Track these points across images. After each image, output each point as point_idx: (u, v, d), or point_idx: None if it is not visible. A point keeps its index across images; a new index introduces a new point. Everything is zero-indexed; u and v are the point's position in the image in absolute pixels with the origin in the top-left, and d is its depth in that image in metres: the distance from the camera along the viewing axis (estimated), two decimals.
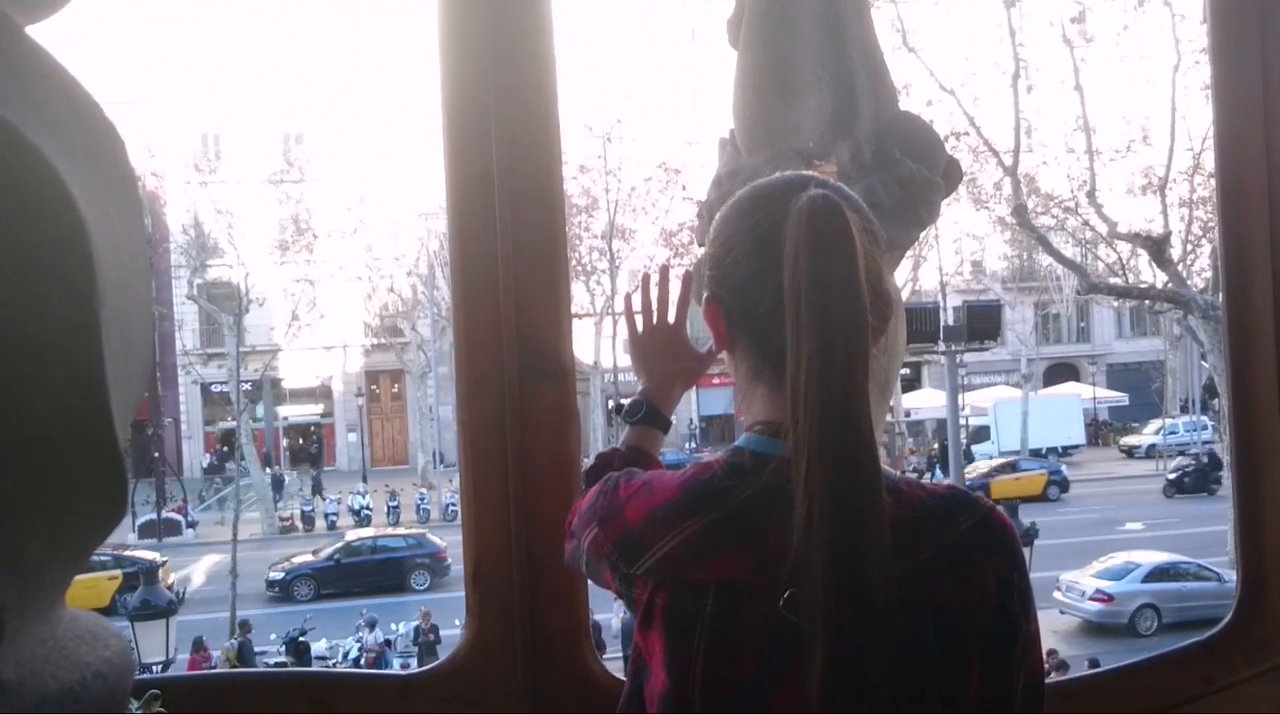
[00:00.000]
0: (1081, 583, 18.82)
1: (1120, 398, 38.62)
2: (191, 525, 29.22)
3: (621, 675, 1.57)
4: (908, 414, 34.63)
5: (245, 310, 26.52)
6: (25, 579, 0.81)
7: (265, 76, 32.00)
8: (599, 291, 29.23)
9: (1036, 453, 33.86)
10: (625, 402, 1.59)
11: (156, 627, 10.93)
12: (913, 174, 2.23)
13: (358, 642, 17.26)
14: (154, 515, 28.36)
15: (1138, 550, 20.59)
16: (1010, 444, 33.41)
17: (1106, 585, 18.53)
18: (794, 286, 1.14)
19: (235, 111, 31.92)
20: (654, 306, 1.61)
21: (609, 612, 15.12)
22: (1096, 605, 18.44)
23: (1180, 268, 18.23)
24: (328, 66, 32.29)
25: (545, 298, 1.90)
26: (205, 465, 37.43)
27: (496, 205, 1.88)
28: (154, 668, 10.63)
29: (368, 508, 29.42)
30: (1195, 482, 28.52)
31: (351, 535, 24.80)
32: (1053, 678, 1.62)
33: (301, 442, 39.61)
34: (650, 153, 28.47)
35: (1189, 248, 20.44)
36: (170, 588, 16.01)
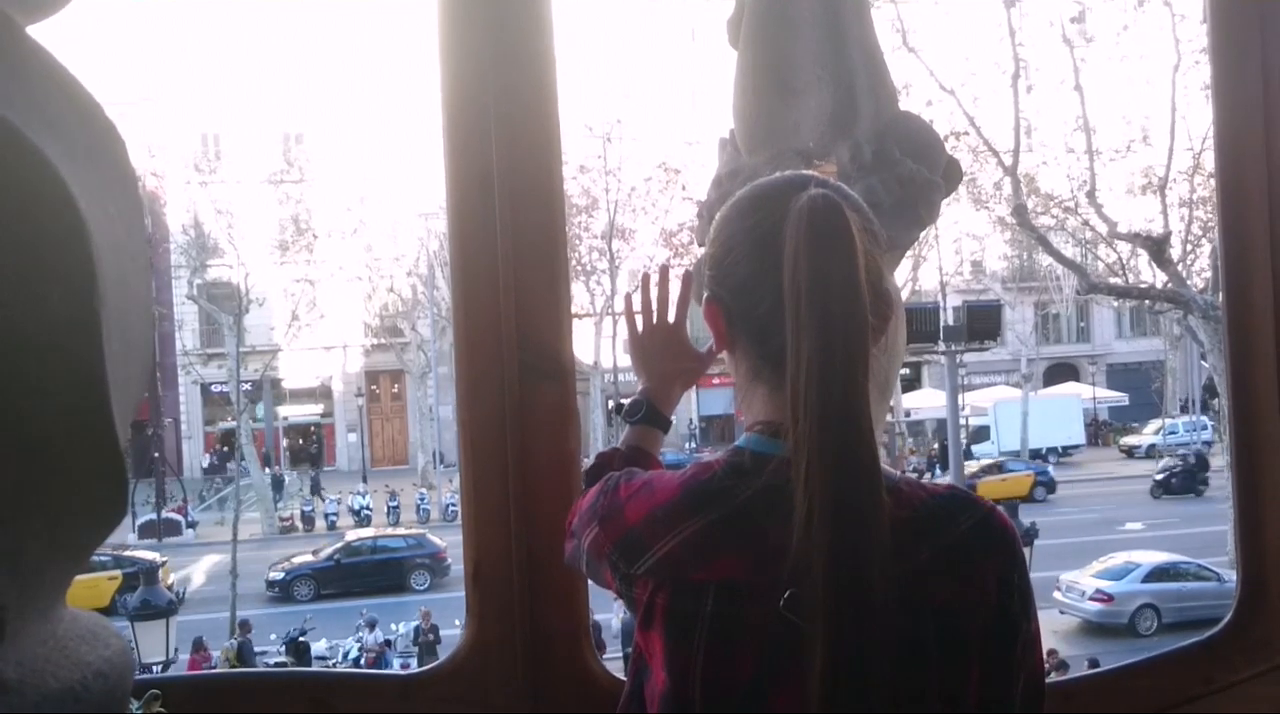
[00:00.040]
0: (1081, 583, 18.82)
1: (1120, 398, 38.63)
2: (191, 525, 29.22)
3: (621, 675, 1.57)
4: (908, 414, 34.63)
5: (245, 310, 26.52)
6: (26, 579, 0.81)
7: (265, 76, 32.01)
8: (599, 291, 29.23)
9: (1036, 453, 33.87)
10: (625, 401, 1.59)
11: (156, 627, 10.93)
12: (913, 174, 2.23)
13: (358, 642, 17.26)
14: (154, 515, 28.36)
15: (1138, 550, 20.60)
16: (1010, 444, 33.41)
17: (1106, 585, 18.53)
18: (794, 286, 1.14)
19: (235, 111, 31.93)
20: (654, 306, 1.61)
21: (609, 612, 15.12)
22: (1096, 605, 18.44)
23: (1180, 268, 18.22)
24: (328, 66, 32.30)
25: (545, 298, 1.90)
26: (205, 466, 37.43)
27: (496, 205, 1.88)
28: (154, 668, 10.63)
29: (368, 508, 29.42)
30: (1182, 482, 28.55)
31: (351, 535, 24.80)
32: (1053, 678, 1.62)
33: (301, 442, 39.62)
34: (650, 153, 28.48)
35: (1189, 248, 20.43)
36: (170, 588, 16.01)
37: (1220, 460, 23.32)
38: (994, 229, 30.41)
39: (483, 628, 1.90)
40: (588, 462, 1.57)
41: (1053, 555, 19.33)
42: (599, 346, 29.76)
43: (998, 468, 29.09)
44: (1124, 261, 21.76)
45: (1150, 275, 21.21)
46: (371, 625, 17.53)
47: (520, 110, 1.89)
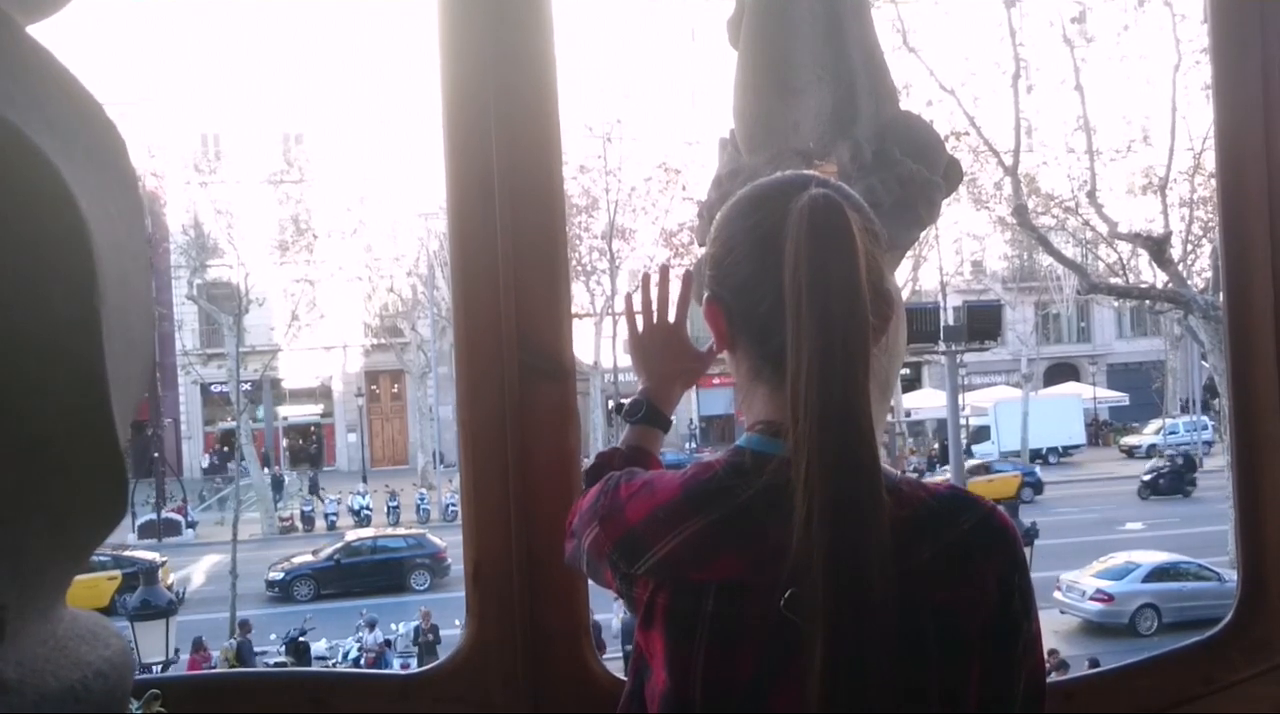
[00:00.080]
0: (1081, 583, 18.82)
1: (1120, 398, 38.63)
2: (191, 526, 29.22)
3: (621, 675, 1.57)
4: (908, 414, 34.63)
5: (245, 310, 26.52)
6: (27, 578, 0.81)
7: (265, 76, 32.01)
8: (599, 291, 29.22)
9: (1037, 453, 33.88)
10: (625, 401, 1.59)
11: (156, 627, 10.93)
12: (913, 174, 2.23)
13: (358, 642, 17.26)
14: (154, 515, 28.36)
15: (1138, 550, 20.60)
16: (1010, 444, 33.41)
17: (1107, 585, 18.54)
18: (795, 286, 1.14)
19: (235, 111, 31.93)
20: (654, 306, 1.61)
21: (609, 612, 15.12)
22: (1097, 605, 18.44)
23: (1180, 268, 18.22)
24: (328, 66, 32.30)
25: (545, 298, 1.90)
26: (205, 466, 37.43)
27: (496, 205, 1.88)
28: (154, 668, 10.63)
29: (368, 508, 29.42)
30: (1170, 483, 28.58)
31: (351, 536, 24.80)
32: (1053, 678, 1.61)
33: (301, 442, 39.62)
34: (650, 153, 28.48)
35: (1189, 248, 20.43)
36: (170, 588, 16.01)
37: (1221, 460, 23.30)
38: (994, 229, 30.42)
39: (483, 628, 1.90)
40: (588, 461, 1.57)
41: (1053, 555, 19.34)
42: (599, 346, 29.75)
43: (984, 469, 29.04)
44: (1124, 261, 21.77)
45: (1150, 275, 21.23)
46: (371, 625, 17.53)
47: (520, 110, 1.89)
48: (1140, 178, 23.13)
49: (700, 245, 1.85)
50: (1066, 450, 35.53)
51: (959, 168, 2.39)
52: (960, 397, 24.04)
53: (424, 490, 30.62)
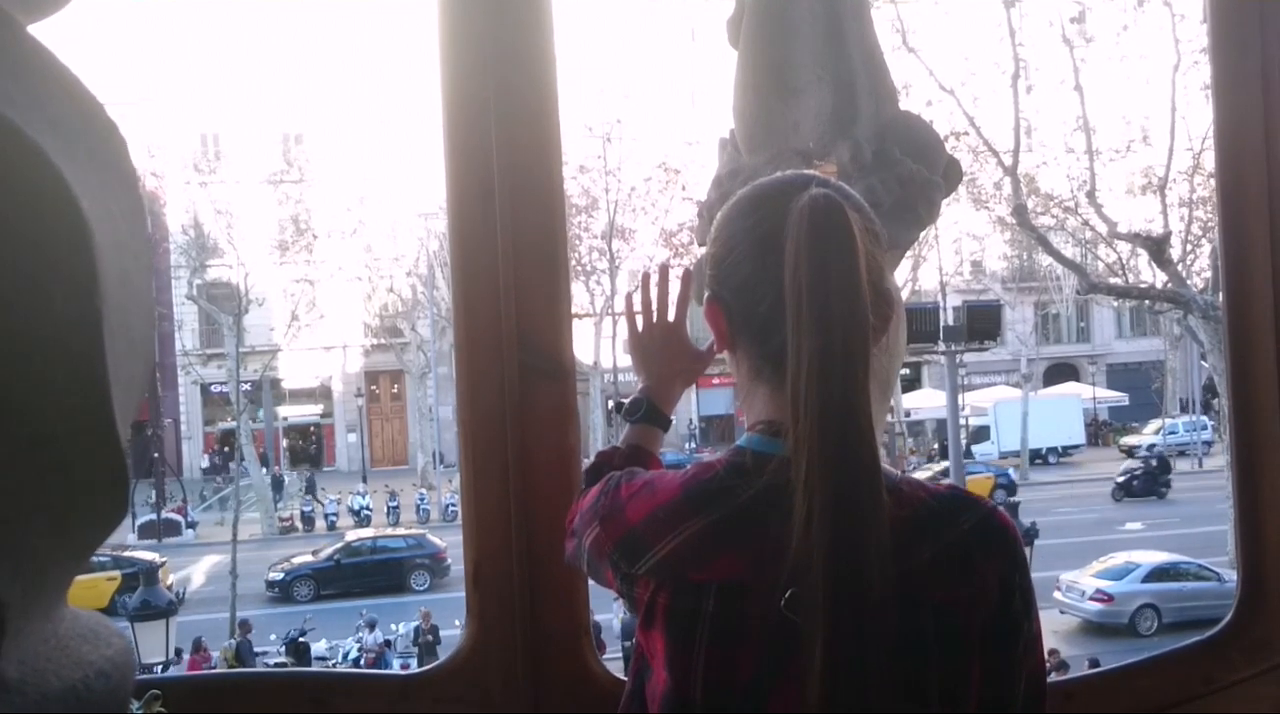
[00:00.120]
0: (1081, 583, 18.82)
1: (1120, 398, 38.63)
2: (191, 526, 29.22)
3: (621, 675, 1.57)
4: (908, 414, 34.62)
5: (245, 310, 26.53)
6: (28, 577, 0.81)
7: (265, 76, 32.01)
8: (599, 291, 29.21)
9: (1036, 453, 33.87)
10: (625, 400, 1.59)
11: (156, 627, 10.92)
12: (913, 174, 2.23)
13: (357, 642, 17.26)
14: (154, 516, 28.36)
15: (1138, 550, 20.60)
16: (1010, 444, 33.41)
17: (1106, 585, 18.54)
18: (795, 286, 1.14)
19: (235, 111, 31.92)
20: (654, 305, 1.61)
21: (609, 612, 15.12)
22: (1096, 605, 18.44)
23: (1180, 268, 18.23)
24: (328, 66, 32.31)
25: (545, 298, 1.90)
26: (205, 466, 37.44)
27: (496, 205, 1.88)
28: (155, 668, 10.63)
29: (367, 508, 29.42)
30: (1144, 485, 28.57)
31: (351, 536, 24.80)
32: (1053, 678, 1.62)
33: (301, 442, 39.62)
34: (650, 153, 28.48)
35: (1189, 248, 20.43)
36: (170, 588, 16.01)
37: (1221, 460, 23.31)
38: (994, 229, 30.40)
39: (483, 628, 1.90)
40: (588, 461, 1.57)
41: (1053, 555, 19.34)
42: (599, 346, 29.75)
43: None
44: (1124, 261, 21.77)
45: (1150, 275, 21.22)
46: (371, 626, 17.53)
47: (520, 110, 1.89)
48: (1140, 178, 23.14)
49: (700, 245, 1.85)
50: (1066, 450, 35.53)
51: (959, 168, 2.40)
52: (960, 397, 24.05)
53: (424, 490, 30.62)
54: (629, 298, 1.65)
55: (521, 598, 1.88)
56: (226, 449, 35.19)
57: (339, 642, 17.64)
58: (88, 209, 0.81)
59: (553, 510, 1.76)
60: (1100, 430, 38.57)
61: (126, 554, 21.52)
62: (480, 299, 1.89)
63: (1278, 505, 2.04)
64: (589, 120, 27.35)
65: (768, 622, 1.13)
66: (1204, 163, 19.39)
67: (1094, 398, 38.36)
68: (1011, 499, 27.36)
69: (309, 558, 23.35)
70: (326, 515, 29.36)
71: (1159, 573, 18.81)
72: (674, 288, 1.61)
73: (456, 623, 14.48)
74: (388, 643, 17.49)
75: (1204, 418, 32.82)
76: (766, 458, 1.19)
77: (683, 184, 27.51)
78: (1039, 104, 22.61)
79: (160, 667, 10.86)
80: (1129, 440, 36.51)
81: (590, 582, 1.48)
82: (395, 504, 29.22)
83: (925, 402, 34.91)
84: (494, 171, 1.88)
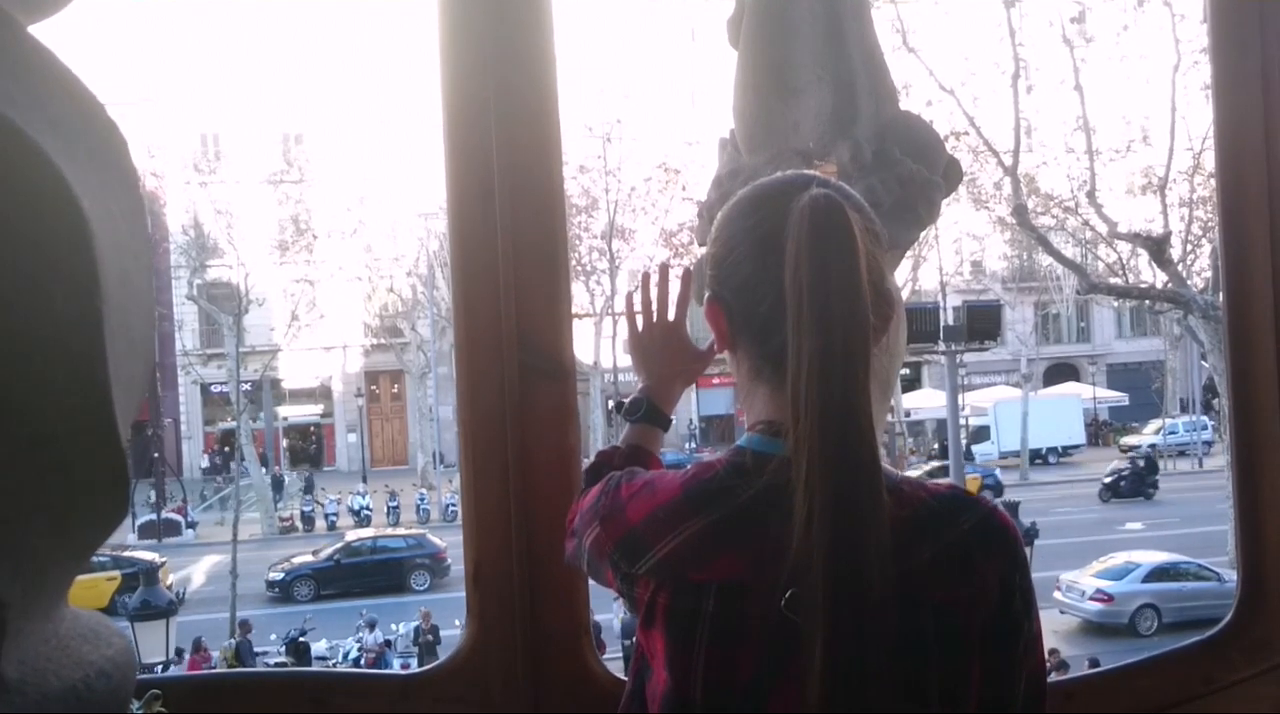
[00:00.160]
0: (1081, 583, 18.82)
1: (1120, 398, 38.63)
2: (191, 526, 29.23)
3: (622, 675, 1.57)
4: (908, 414, 34.62)
5: (245, 310, 26.52)
6: (28, 577, 0.81)
7: (265, 76, 32.01)
8: (599, 291, 29.22)
9: (1037, 453, 33.86)
10: (625, 400, 1.59)
11: (156, 627, 10.92)
12: (913, 174, 2.23)
13: (358, 642, 17.26)
14: (154, 516, 28.36)
15: (1138, 550, 20.60)
16: (1010, 444, 33.42)
17: (1106, 585, 18.54)
18: (795, 286, 1.14)
19: (235, 111, 31.93)
20: (654, 305, 1.61)
21: (609, 612, 15.12)
22: (1096, 605, 18.44)
23: (1180, 268, 18.23)
24: (328, 66, 32.31)
25: (545, 298, 1.90)
26: (205, 466, 37.43)
27: (496, 205, 1.88)
28: (155, 668, 10.63)
29: (367, 508, 29.43)
30: (1131, 486, 28.54)
31: (351, 536, 24.80)
32: (1053, 678, 1.62)
33: (301, 442, 39.62)
34: (650, 153, 28.48)
35: (1189, 248, 20.43)
36: (170, 588, 16.01)
37: (1221, 460, 23.31)
38: (994, 229, 30.40)
39: (483, 628, 1.90)
40: (588, 461, 1.57)
41: (1053, 555, 19.34)
42: (599, 346, 29.75)
43: (944, 471, 29.00)
44: (1124, 261, 21.77)
45: (1150, 275, 21.23)
46: (371, 626, 17.53)
47: (520, 110, 1.89)
48: (1140, 178, 23.14)
49: (700, 245, 1.85)
50: (1066, 450, 35.52)
51: (959, 168, 2.40)
52: (960, 397, 24.05)
53: (424, 490, 30.62)
54: (629, 298, 1.65)
55: (521, 598, 1.88)
56: (226, 449, 35.19)
57: (339, 642, 17.64)
58: (88, 209, 0.81)
59: (553, 510, 1.76)
60: (1100, 430, 38.58)
61: (126, 554, 21.52)
62: (480, 299, 1.89)
63: (1278, 505, 2.04)
64: (589, 120, 27.37)
65: (768, 622, 1.13)
66: (1204, 163, 19.40)
67: (1094, 398, 38.36)
68: (1011, 499, 27.46)
69: (309, 558, 23.35)
70: (326, 515, 29.37)
71: (1159, 573, 18.80)
72: (674, 288, 1.61)
73: (456, 623, 14.48)
74: (388, 643, 17.48)
75: (1204, 418, 32.82)
76: (767, 458, 1.19)
77: (683, 184, 27.51)
78: (1039, 104, 22.61)
79: (160, 667, 10.86)
80: (1129, 440, 36.52)
81: (590, 582, 1.48)
82: (395, 504, 29.22)
83: (925, 402, 34.91)
84: (494, 171, 1.88)
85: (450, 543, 22.26)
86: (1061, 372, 40.60)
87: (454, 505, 26.47)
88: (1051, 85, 21.76)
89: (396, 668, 14.53)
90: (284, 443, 38.42)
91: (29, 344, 0.77)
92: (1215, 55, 2.08)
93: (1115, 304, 35.00)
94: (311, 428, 39.77)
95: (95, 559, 16.55)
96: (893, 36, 17.46)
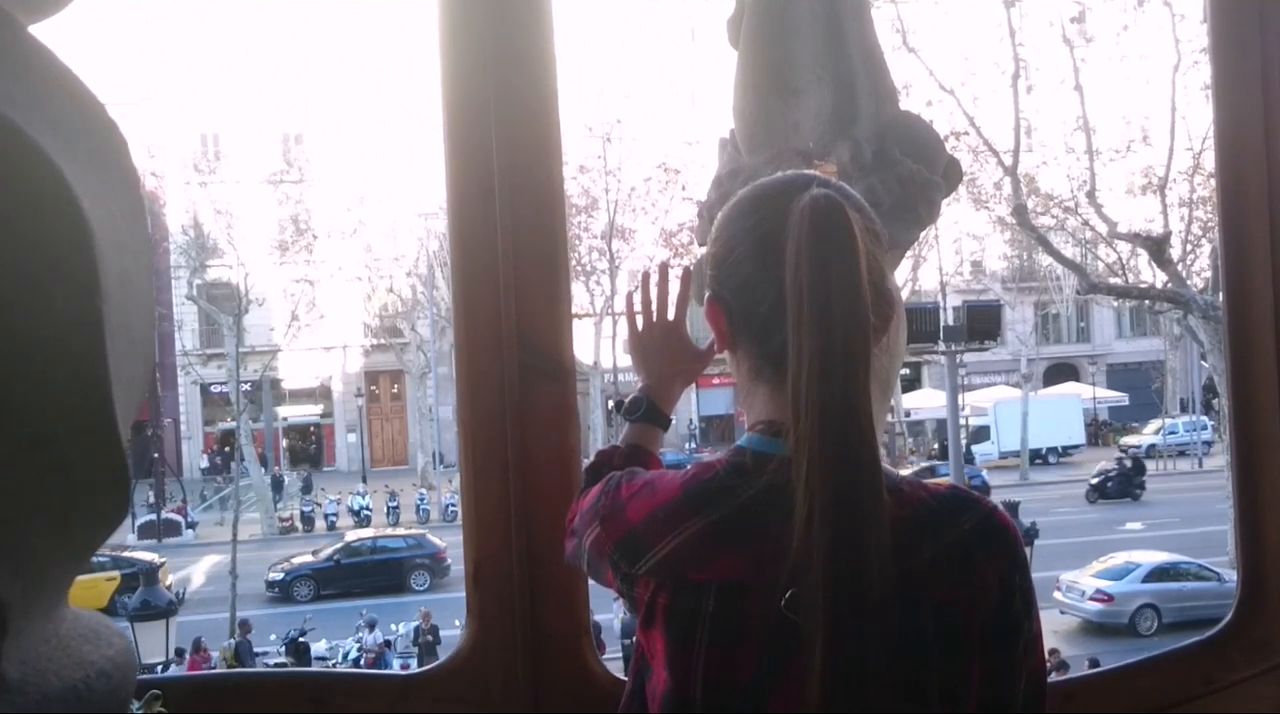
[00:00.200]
0: (1081, 583, 18.82)
1: (1120, 398, 38.63)
2: (191, 526, 29.22)
3: (621, 675, 1.57)
4: (908, 414, 34.64)
5: (245, 311, 26.53)
6: (29, 577, 0.81)
7: (265, 76, 32.01)
8: (599, 292, 29.22)
9: (1037, 453, 33.86)
10: (625, 400, 1.59)
11: (156, 627, 10.92)
12: (913, 174, 2.24)
13: (357, 642, 17.26)
14: (153, 516, 28.35)
15: (1138, 550, 20.60)
16: (1010, 444, 33.42)
17: (1106, 585, 18.54)
18: (796, 286, 1.14)
19: (235, 111, 31.93)
20: (654, 305, 1.61)
21: (609, 612, 15.12)
22: (1096, 605, 18.44)
23: (1180, 268, 18.23)
24: (328, 66, 32.31)
25: (545, 298, 1.90)
26: (204, 466, 37.43)
27: (496, 205, 1.88)
28: (155, 668, 10.63)
29: (367, 508, 29.42)
30: (1118, 487, 28.50)
31: (351, 536, 24.80)
32: (1053, 678, 1.62)
33: (301, 442, 39.62)
34: (650, 153, 28.48)
35: (1189, 248, 20.43)
36: (170, 589, 16.00)
37: (1221, 460, 23.30)
38: (994, 229, 30.40)
39: (483, 628, 1.90)
40: (588, 461, 1.57)
41: (1053, 555, 19.34)
42: (599, 346, 29.75)
43: (930, 471, 28.98)
44: (1124, 261, 21.77)
45: (1150, 275, 21.22)
46: (371, 626, 17.53)
47: (520, 110, 1.89)
48: (1140, 178, 23.14)
49: (700, 245, 1.85)
50: (1066, 450, 35.52)
51: (959, 168, 2.40)
52: (960, 397, 24.05)
53: (424, 491, 30.62)
54: (629, 297, 1.65)
55: (521, 598, 1.88)
56: (226, 449, 35.18)
57: (339, 642, 17.64)
58: (88, 209, 0.81)
59: (553, 510, 1.76)
60: (1100, 430, 38.57)
61: (126, 554, 21.52)
62: (480, 299, 1.89)
63: (1278, 505, 2.04)
64: (589, 120, 27.37)
65: (768, 622, 1.13)
66: (1204, 163, 19.39)
67: (1094, 398, 38.36)
68: (1012, 499, 27.45)
69: (309, 558, 23.34)
70: (326, 516, 29.36)
71: (1159, 573, 18.81)
72: (674, 287, 1.61)
73: (456, 623, 14.48)
74: (388, 643, 17.49)
75: (1204, 418, 32.81)
76: (767, 458, 1.19)
77: (683, 184, 27.51)
78: (1039, 104, 22.62)
79: (160, 667, 10.86)
80: (1129, 440, 36.52)
81: (590, 581, 1.48)
82: (395, 504, 29.22)
83: (925, 402, 34.92)
84: (494, 171, 1.88)
85: (450, 543, 22.26)
86: (1061, 372, 40.60)
87: (454, 505, 26.47)
88: (1051, 85, 21.78)
89: (396, 668, 14.53)
90: (284, 443, 38.42)
91: (29, 344, 0.77)
92: (1215, 55, 2.08)
93: (1115, 304, 35.00)
94: (311, 428, 39.77)
95: (95, 559, 16.55)
96: (893, 36, 17.46)
